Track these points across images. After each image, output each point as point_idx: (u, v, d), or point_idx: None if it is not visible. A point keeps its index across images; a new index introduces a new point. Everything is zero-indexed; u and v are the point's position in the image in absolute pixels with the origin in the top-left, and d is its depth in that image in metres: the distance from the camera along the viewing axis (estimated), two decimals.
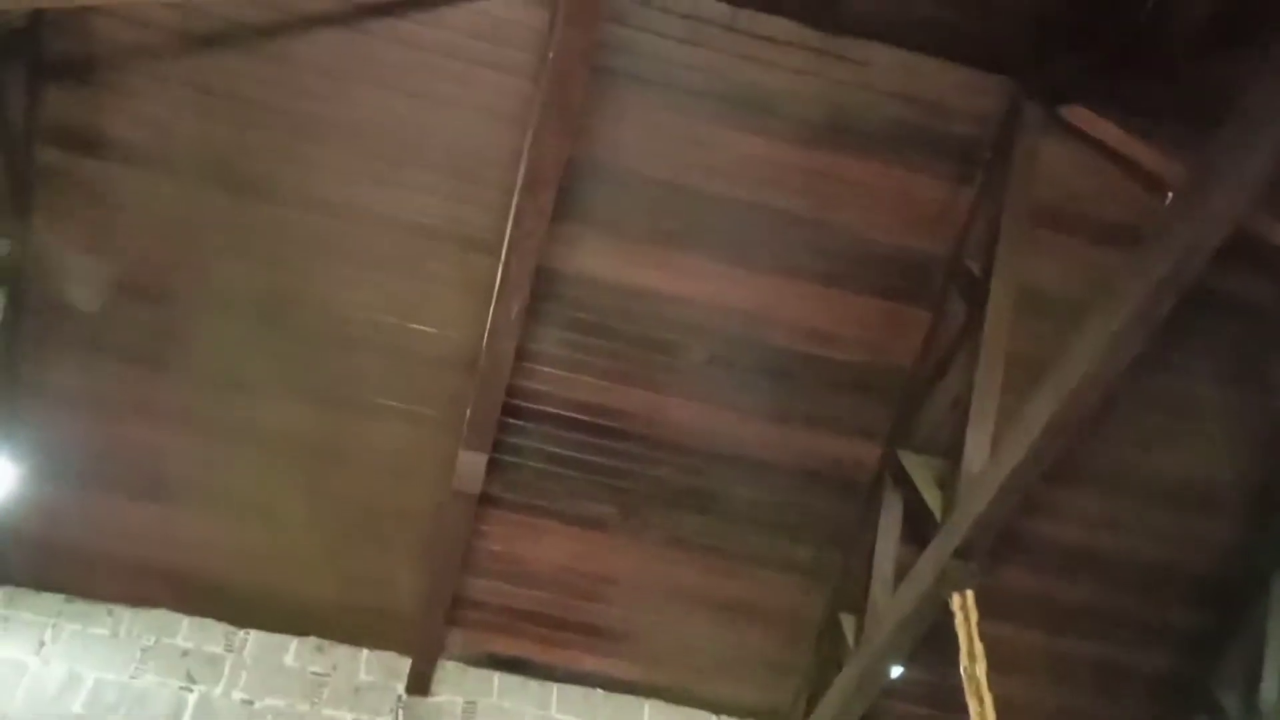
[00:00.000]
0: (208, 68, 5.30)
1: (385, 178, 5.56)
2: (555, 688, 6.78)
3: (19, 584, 6.47)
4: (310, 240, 5.69)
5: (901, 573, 5.61)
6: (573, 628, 6.68)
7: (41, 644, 6.31)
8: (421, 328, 5.89)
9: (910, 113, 5.35)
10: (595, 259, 5.63)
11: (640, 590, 6.58)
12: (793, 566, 6.52)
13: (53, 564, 6.44)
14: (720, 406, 6.04)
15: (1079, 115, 5.08)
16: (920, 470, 5.75)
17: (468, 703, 6.60)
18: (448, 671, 6.68)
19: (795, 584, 6.56)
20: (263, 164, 5.52)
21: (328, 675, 6.52)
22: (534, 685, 6.77)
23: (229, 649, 6.50)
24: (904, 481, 5.88)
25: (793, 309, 5.80)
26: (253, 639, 6.58)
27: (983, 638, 4.77)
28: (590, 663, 6.77)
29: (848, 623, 6.31)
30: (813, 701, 6.48)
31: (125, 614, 6.51)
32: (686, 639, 6.71)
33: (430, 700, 6.55)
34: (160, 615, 6.54)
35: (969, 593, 4.90)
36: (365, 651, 6.67)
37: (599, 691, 6.83)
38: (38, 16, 5.09)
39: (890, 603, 5.65)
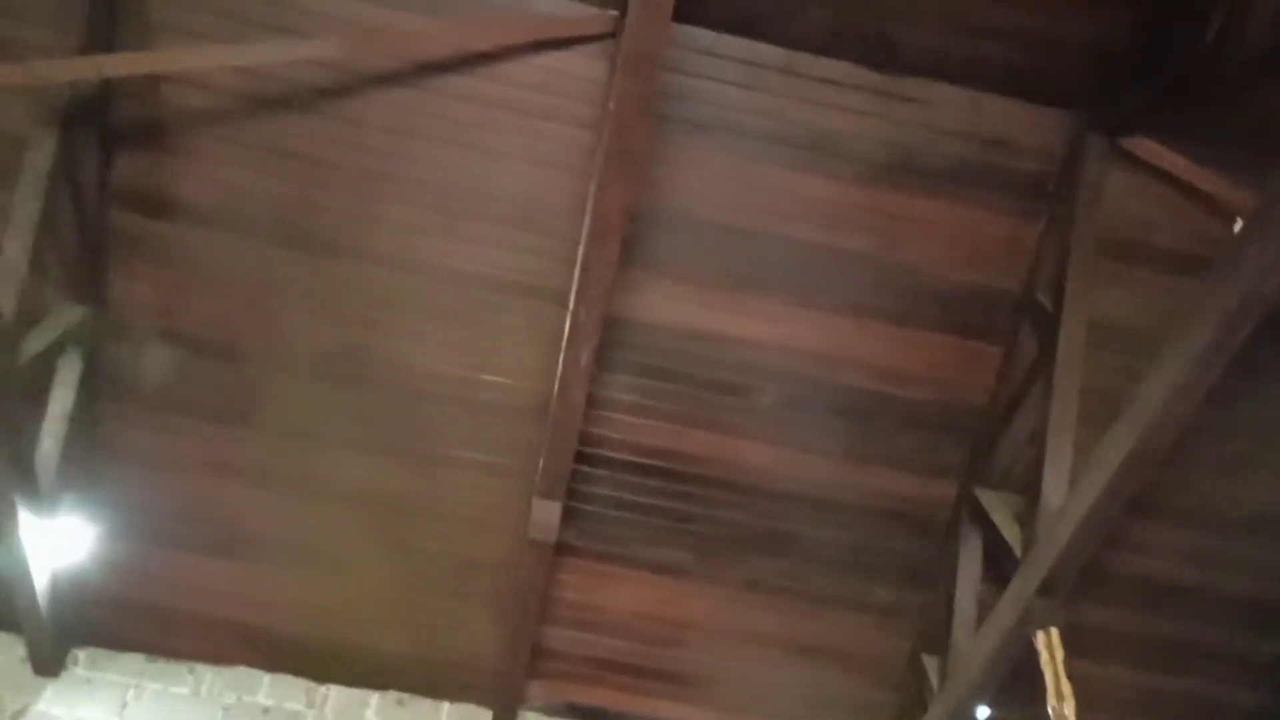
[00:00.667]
0: (274, 129, 5.61)
1: (452, 231, 5.83)
2: None
3: (101, 645, 6.80)
4: (380, 295, 5.97)
5: (983, 611, 5.73)
6: (652, 675, 6.85)
7: (124, 704, 6.62)
8: (492, 378, 6.14)
9: (974, 150, 5.53)
10: (663, 305, 5.84)
11: (718, 635, 6.72)
12: (872, 608, 6.64)
13: (133, 624, 6.76)
14: (793, 448, 6.21)
15: (1143, 146, 5.23)
16: (998, 507, 5.87)
17: None
18: None
19: (875, 625, 6.69)
20: (331, 222, 5.82)
21: None
22: None
23: (310, 705, 6.76)
24: (982, 519, 6.00)
25: (863, 348, 5.96)
26: (333, 694, 6.83)
27: (1070, 675, 4.88)
28: (671, 710, 6.92)
29: (930, 664, 6.42)
30: None
31: (206, 672, 6.81)
32: (767, 683, 6.84)
33: None
34: (241, 673, 6.83)
35: (1054, 630, 5.02)
36: (446, 704, 6.89)
37: None
38: (107, 84, 5.43)
39: (973, 643, 5.76)
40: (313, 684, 6.86)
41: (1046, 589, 5.04)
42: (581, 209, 5.55)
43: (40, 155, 5.22)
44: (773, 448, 6.22)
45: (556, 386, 5.53)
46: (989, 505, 5.92)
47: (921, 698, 6.40)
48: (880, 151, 5.55)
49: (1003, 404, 5.93)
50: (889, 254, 5.75)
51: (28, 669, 6.61)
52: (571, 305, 5.35)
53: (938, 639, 6.30)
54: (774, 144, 5.55)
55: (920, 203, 5.63)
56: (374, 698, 6.87)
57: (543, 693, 6.87)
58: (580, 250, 5.30)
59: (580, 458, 5.93)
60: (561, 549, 6.23)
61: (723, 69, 5.45)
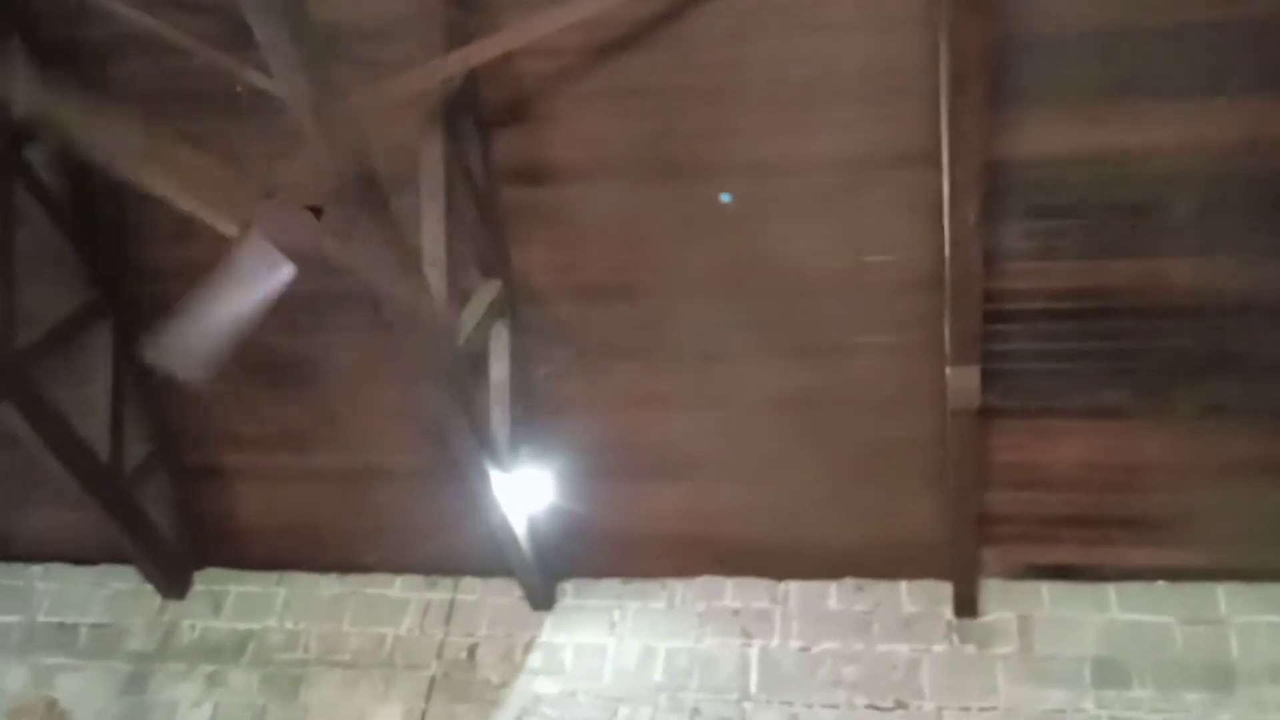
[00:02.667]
0: (618, 73, 5.86)
1: (805, 122, 5.83)
2: (1111, 588, 6.73)
3: (582, 576, 7.62)
4: (750, 204, 6.12)
5: None
6: (1113, 524, 6.60)
7: (613, 625, 7.40)
8: (877, 258, 6.12)
9: None
10: (1045, 137, 5.47)
11: (1179, 472, 6.34)
12: None
13: (603, 553, 7.51)
14: (1226, 255, 5.64)
15: None
16: None
17: (1021, 617, 6.77)
18: (992, 590, 6.88)
19: None
20: (689, 146, 6.03)
21: (872, 612, 7.02)
22: (1086, 589, 6.76)
23: (774, 602, 7.20)
24: None
25: None
26: (794, 589, 7.22)
27: None
28: (1142, 556, 6.64)
29: None
30: None
31: (677, 586, 7.44)
32: (1249, 513, 6.36)
33: (982, 621, 6.81)
34: (707, 582, 7.39)
35: None
36: (904, 584, 7.06)
37: (1160, 584, 6.70)
38: (473, 73, 5.92)
39: None
40: (773, 582, 7.29)
41: None
42: (934, 62, 5.34)
43: (432, 155, 5.85)
44: (1202, 260, 5.69)
45: (947, 250, 5.40)
46: None
47: None
48: None
49: None
50: None
51: (526, 606, 7.58)
52: (946, 162, 5.22)
53: None
54: None
55: None
56: (832, 587, 7.18)
57: (999, 559, 6.84)
58: (943, 103, 5.13)
59: (989, 317, 5.73)
60: (988, 413, 6.10)
61: None
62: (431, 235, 5.90)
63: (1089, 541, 6.71)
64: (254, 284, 4.58)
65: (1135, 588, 6.73)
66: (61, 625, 8.20)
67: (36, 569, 8.51)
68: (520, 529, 7.01)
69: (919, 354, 6.28)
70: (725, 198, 6.18)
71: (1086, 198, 5.65)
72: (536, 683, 7.26)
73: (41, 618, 8.27)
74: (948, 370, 5.86)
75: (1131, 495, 6.51)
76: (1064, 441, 6.41)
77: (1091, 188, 5.62)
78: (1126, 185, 5.58)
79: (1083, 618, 6.70)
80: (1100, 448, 6.39)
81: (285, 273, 4.55)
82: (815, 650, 6.95)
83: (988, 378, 5.89)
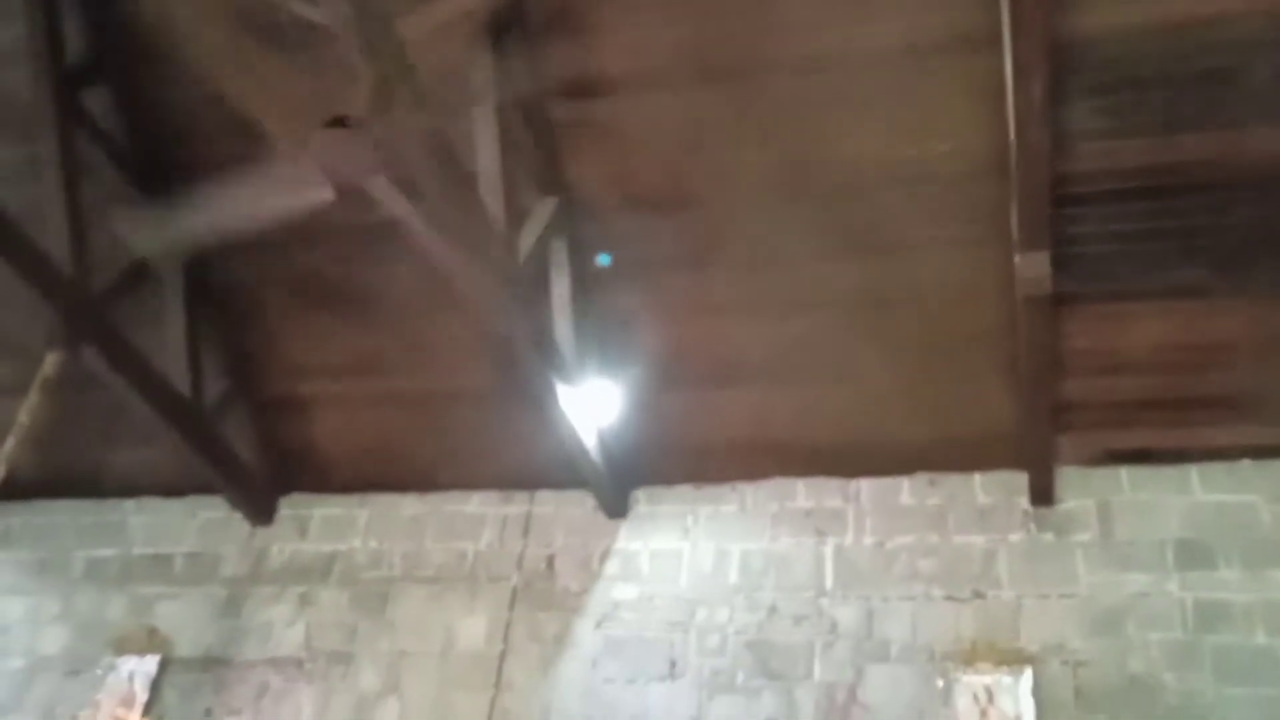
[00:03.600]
0: None
1: (856, 13, 5.71)
2: (1193, 469, 6.61)
3: (653, 483, 7.68)
4: (806, 102, 6.04)
5: None
6: (1193, 405, 6.48)
7: (686, 530, 7.49)
8: (941, 147, 6.00)
9: None
10: (1111, 9, 5.25)
11: (1261, 348, 6.18)
12: None
13: (673, 460, 7.57)
14: None
15: None
16: None
17: (1100, 503, 6.71)
18: (1068, 477, 6.81)
19: None
20: (738, 47, 5.94)
21: (946, 505, 7.01)
22: (1168, 471, 6.65)
23: (846, 500, 7.22)
24: None
25: None
26: (865, 487, 7.22)
27: None
28: (1224, 436, 6.51)
29: None
30: None
31: (747, 489, 7.48)
32: None
33: (1060, 508, 6.76)
34: (777, 484, 7.42)
35: None
36: (978, 476, 7.01)
37: (1245, 462, 6.54)
38: None
39: None
40: (845, 480, 7.27)
41: None
42: None
43: (482, 76, 5.86)
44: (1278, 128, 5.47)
45: (1013, 133, 5.27)
46: None
47: None
48: None
49: None
50: None
51: (600, 515, 7.70)
52: (1007, 44, 5.05)
53: None
54: None
55: None
56: (904, 483, 7.17)
57: (1076, 446, 6.75)
58: None
59: (1057, 200, 5.60)
60: (1061, 299, 5.99)
61: None
62: (486, 157, 5.90)
63: (1169, 424, 6.60)
64: (284, 195, 4.60)
65: (1218, 468, 6.59)
66: (157, 556, 8.54)
67: (130, 504, 8.83)
68: (590, 441, 7.10)
69: (986, 244, 6.18)
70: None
71: (1159, 70, 5.43)
72: (615, 589, 7.43)
73: (137, 550, 8.62)
74: (1016, 258, 5.77)
75: (1212, 374, 6.37)
76: (1140, 324, 6.28)
77: (1161, 59, 5.39)
78: (1195, 55, 5.36)
79: (1164, 501, 6.62)
80: (1178, 328, 6.25)
81: (324, 196, 4.57)
82: (890, 545, 6.99)
83: (1058, 263, 5.77)
